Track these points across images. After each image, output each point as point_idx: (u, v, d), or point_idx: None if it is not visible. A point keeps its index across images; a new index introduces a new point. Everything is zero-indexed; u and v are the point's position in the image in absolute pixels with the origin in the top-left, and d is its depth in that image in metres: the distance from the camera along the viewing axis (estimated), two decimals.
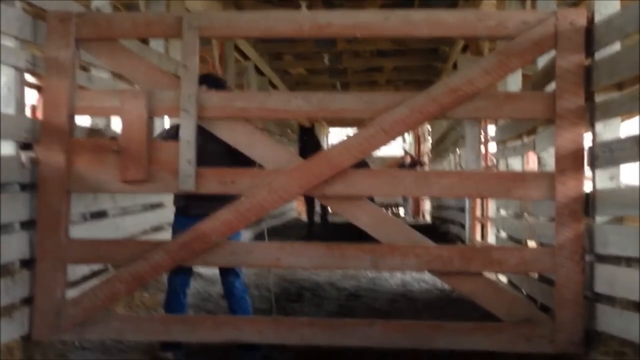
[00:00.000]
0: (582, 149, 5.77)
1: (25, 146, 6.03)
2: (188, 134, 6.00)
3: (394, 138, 6.27)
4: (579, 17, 5.84)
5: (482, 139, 14.05)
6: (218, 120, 6.14)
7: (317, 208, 17.62)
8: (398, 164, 24.38)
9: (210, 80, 6.52)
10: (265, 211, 6.12)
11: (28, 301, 5.97)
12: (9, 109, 5.84)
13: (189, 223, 6.16)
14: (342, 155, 5.99)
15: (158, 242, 6.50)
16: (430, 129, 26.87)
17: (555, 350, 5.79)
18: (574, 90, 5.76)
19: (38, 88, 18.90)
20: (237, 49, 16.25)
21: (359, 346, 6.04)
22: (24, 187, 5.92)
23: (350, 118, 6.30)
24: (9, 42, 5.82)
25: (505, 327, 5.91)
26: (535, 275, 7.36)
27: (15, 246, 5.77)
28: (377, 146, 6.13)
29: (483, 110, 6.06)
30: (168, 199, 9.50)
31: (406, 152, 25.53)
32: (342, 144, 6.13)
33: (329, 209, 17.57)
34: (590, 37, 5.86)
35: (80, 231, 6.83)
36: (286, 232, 17.83)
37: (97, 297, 6.11)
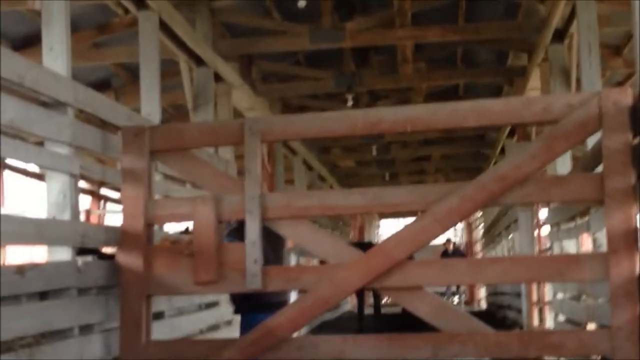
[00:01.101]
0: (634, 229, 5.68)
1: (81, 251, 6.11)
2: (253, 235, 6.13)
3: (447, 228, 6.23)
4: (622, 96, 5.77)
5: (535, 223, 13.95)
6: (281, 220, 6.28)
7: (371, 300, 17.54)
8: (441, 252, 24.32)
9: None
10: (328, 306, 6.21)
11: None
12: (65, 215, 5.93)
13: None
14: (398, 248, 6.02)
15: (229, 339, 6.69)
16: (481, 215, 26.76)
17: None
18: (622, 170, 5.69)
19: (91, 193, 19.37)
20: (285, 144, 16.40)
21: None
22: (80, 291, 5.96)
23: (405, 211, 6.37)
24: (62, 149, 5.94)
25: None
26: (598, 359, 7.22)
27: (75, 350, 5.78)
28: (431, 237, 6.12)
29: (532, 195, 6.02)
30: (224, 298, 9.53)
31: (448, 240, 25.41)
32: (397, 236, 6.14)
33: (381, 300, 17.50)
34: (638, 115, 5.84)
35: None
36: (340, 324, 17.72)
37: None
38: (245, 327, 6.75)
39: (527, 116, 6.05)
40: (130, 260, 6.28)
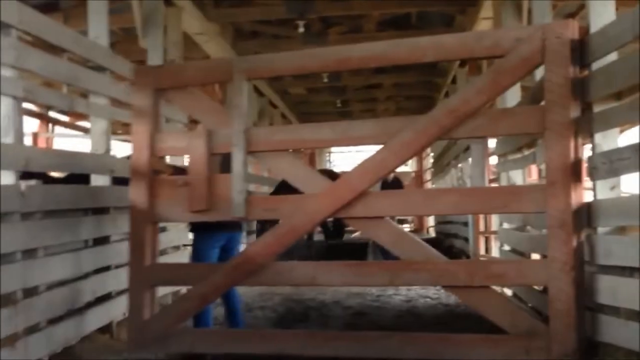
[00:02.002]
0: (572, 161, 5.72)
1: (24, 175, 6.05)
2: (239, 167, 6.59)
3: (403, 160, 6.46)
4: (566, 30, 5.81)
5: (485, 153, 14.03)
6: (264, 152, 6.76)
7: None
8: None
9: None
10: (300, 234, 6.62)
11: (32, 329, 5.95)
12: (8, 139, 5.86)
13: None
14: (361, 179, 6.31)
15: (218, 264, 7.04)
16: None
17: None
18: (563, 103, 5.74)
19: (39, 116, 19.09)
20: None
21: (378, 358, 6.19)
22: (24, 215, 5.92)
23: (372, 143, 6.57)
24: (5, 72, 5.84)
25: (508, 339, 5.92)
26: (541, 287, 7.35)
27: (15, 276, 5.76)
28: (390, 169, 6.35)
29: (482, 128, 6.11)
30: (173, 224, 9.55)
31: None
32: (359, 168, 6.37)
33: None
34: (585, 48, 5.86)
35: (82, 257, 6.99)
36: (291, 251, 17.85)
37: (172, 315, 6.83)
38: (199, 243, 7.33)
39: (479, 51, 6.14)
40: (138, 190, 6.84)
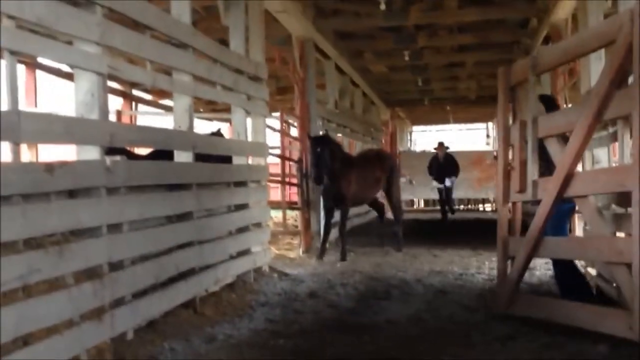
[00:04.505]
0: None
1: (110, 151, 6.13)
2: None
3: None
4: None
5: None
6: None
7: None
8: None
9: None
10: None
11: (118, 302, 6.06)
12: (93, 115, 5.93)
13: None
14: (574, 162, 6.87)
15: None
16: None
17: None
18: None
19: (123, 94, 19.37)
20: (317, 48, 16.23)
21: None
22: (109, 190, 5.99)
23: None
24: (90, 48, 5.91)
25: (615, 313, 6.29)
26: None
27: (101, 250, 5.84)
28: (583, 150, 6.86)
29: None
30: (253, 201, 9.61)
31: (440, 144, 23.60)
32: (570, 152, 6.80)
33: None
34: None
35: (165, 232, 7.01)
36: (369, 230, 17.93)
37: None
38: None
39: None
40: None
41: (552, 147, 7.29)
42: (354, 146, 21.37)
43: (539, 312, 7.24)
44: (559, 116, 7.30)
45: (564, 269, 7.85)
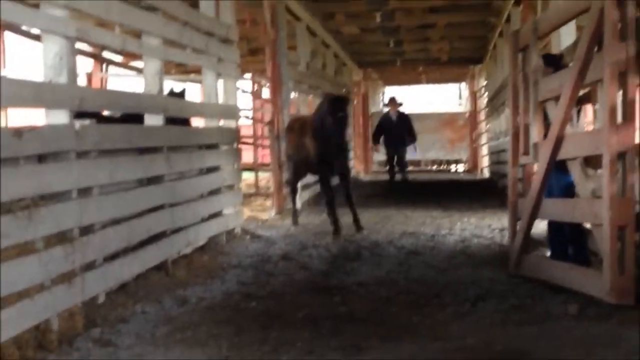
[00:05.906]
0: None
1: (78, 115, 6.10)
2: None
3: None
4: None
5: None
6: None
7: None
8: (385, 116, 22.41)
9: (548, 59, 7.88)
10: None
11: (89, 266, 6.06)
12: (62, 79, 5.88)
13: None
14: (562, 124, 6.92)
15: None
16: (485, 84, 26.61)
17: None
18: None
19: (93, 56, 19.17)
20: (289, 10, 16.14)
21: None
22: (79, 154, 5.97)
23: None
24: (57, 12, 5.85)
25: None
26: None
27: (71, 214, 5.83)
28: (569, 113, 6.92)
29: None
30: (224, 163, 9.60)
31: (392, 100, 22.67)
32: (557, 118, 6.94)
33: None
34: None
35: (136, 196, 7.00)
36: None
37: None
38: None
39: None
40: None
41: (551, 110, 7.34)
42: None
43: (541, 273, 7.35)
44: (555, 79, 7.33)
45: (552, 230, 7.95)
